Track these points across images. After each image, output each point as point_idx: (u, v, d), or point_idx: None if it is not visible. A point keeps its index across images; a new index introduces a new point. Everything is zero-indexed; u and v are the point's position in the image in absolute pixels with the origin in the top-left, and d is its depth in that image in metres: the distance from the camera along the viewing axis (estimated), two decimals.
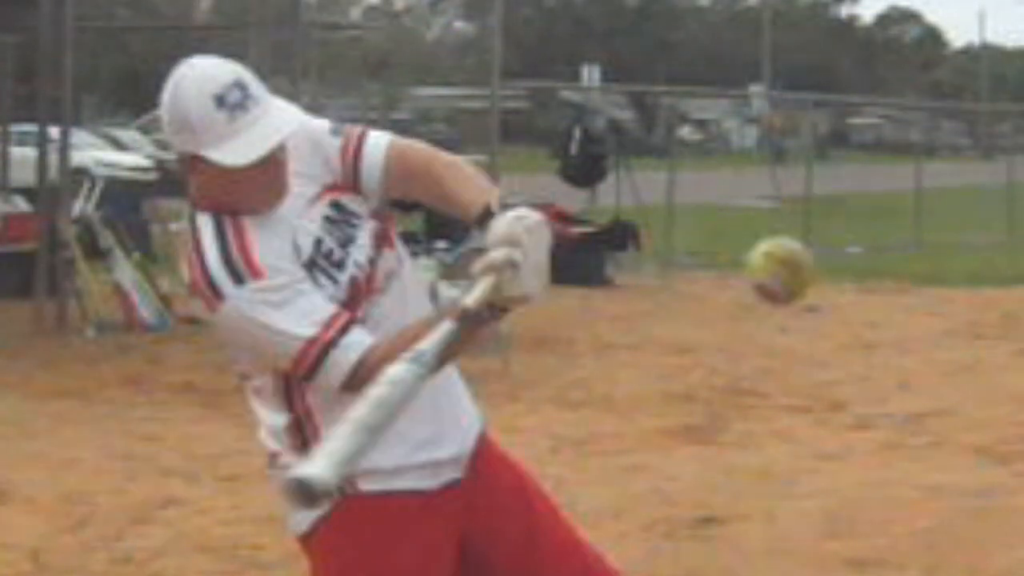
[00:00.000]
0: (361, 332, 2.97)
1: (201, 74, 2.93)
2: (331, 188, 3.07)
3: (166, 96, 2.96)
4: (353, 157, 3.09)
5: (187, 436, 8.27)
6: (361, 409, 2.69)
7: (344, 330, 2.95)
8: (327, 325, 2.94)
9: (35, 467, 7.51)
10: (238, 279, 2.93)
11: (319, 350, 2.93)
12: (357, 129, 3.14)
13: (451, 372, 3.15)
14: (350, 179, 3.08)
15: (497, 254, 2.81)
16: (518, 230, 2.83)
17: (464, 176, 3.07)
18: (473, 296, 2.81)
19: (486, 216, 2.92)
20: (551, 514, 3.23)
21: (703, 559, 6.05)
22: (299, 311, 2.94)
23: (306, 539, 3.12)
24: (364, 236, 3.06)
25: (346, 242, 3.04)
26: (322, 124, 3.11)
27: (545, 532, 3.18)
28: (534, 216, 2.88)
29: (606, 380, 10.15)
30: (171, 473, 7.43)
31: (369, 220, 3.09)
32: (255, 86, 2.95)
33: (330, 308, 2.96)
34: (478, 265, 2.83)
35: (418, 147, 3.15)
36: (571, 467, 7.55)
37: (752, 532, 6.41)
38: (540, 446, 7.82)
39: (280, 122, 2.95)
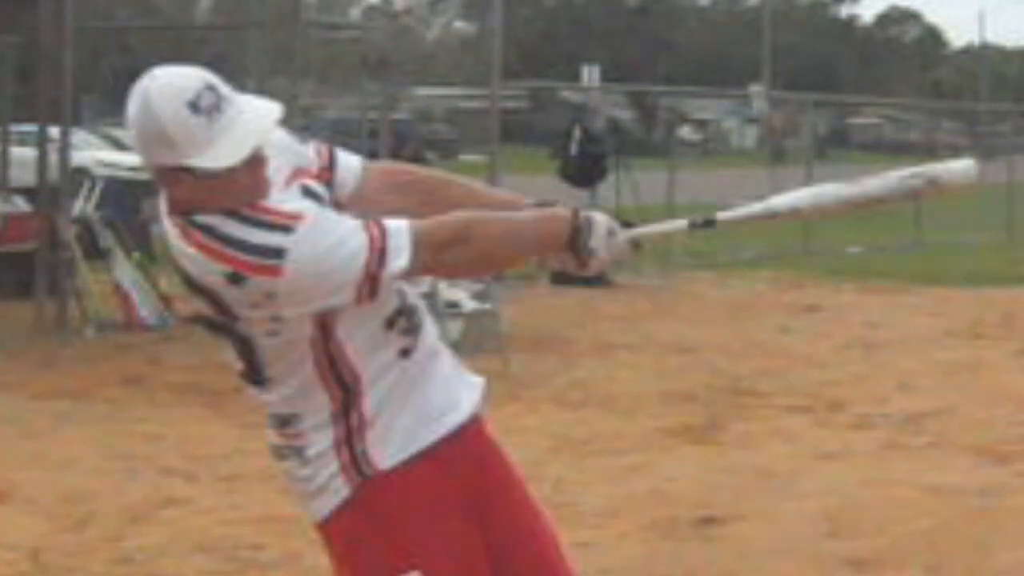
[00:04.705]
0: (394, 219, 2.97)
1: (169, 84, 2.89)
2: (300, 173, 3.07)
3: (134, 111, 2.90)
4: (327, 158, 3.12)
5: (187, 436, 8.26)
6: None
7: (380, 222, 2.95)
8: (367, 223, 2.94)
9: (35, 467, 7.52)
10: (287, 230, 2.88)
11: (379, 235, 2.91)
12: (324, 143, 3.19)
13: (448, 356, 3.19)
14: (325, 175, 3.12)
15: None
16: None
17: (493, 192, 3.27)
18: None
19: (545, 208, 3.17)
20: (535, 510, 3.25)
21: (703, 559, 6.05)
22: (344, 221, 2.93)
23: (325, 525, 3.11)
24: None
25: None
26: (286, 133, 3.11)
27: (536, 528, 3.20)
28: None
29: (606, 380, 10.15)
30: (171, 473, 7.43)
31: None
32: (223, 87, 2.92)
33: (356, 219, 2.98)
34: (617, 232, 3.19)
35: (403, 164, 3.30)
36: (571, 467, 7.55)
37: (752, 532, 6.41)
38: (540, 446, 7.83)
39: (259, 116, 2.93)
